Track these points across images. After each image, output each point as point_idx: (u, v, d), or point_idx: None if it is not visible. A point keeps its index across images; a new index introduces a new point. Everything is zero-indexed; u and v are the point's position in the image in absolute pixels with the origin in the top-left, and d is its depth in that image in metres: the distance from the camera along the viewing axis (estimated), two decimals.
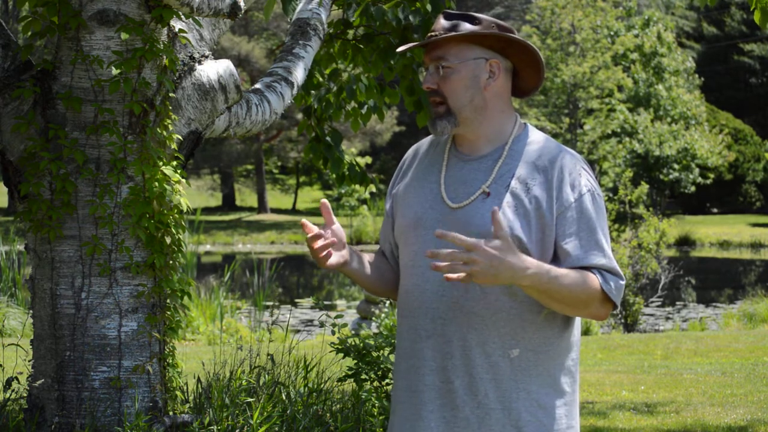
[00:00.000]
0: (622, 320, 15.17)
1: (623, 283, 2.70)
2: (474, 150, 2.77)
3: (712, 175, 41.23)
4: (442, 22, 2.74)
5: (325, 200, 2.79)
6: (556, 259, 2.68)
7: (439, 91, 2.74)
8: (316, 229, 2.72)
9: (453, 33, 2.71)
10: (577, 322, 2.79)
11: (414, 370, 2.75)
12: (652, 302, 18.06)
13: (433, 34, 2.75)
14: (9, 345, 5.16)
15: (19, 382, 4.82)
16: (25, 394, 4.75)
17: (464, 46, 2.72)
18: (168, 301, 4.66)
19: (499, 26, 2.74)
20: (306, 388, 5.24)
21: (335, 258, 2.77)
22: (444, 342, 2.69)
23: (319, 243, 2.72)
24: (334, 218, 2.79)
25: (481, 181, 2.72)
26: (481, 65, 2.73)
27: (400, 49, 2.84)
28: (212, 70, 4.87)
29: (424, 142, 2.92)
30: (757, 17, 6.02)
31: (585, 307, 2.65)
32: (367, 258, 2.91)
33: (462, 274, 2.51)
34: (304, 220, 2.79)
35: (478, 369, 2.67)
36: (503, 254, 2.52)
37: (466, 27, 2.73)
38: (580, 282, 2.62)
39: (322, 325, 6.87)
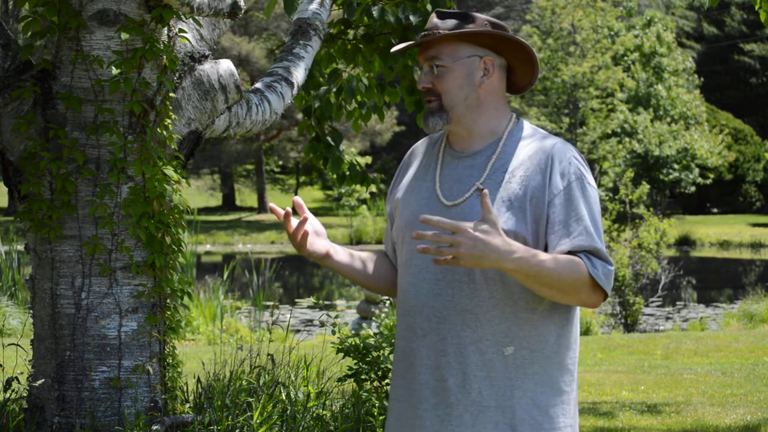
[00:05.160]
0: (622, 320, 15.17)
1: (612, 268, 2.66)
2: (467, 147, 2.78)
3: (712, 175, 41.21)
4: (435, 21, 2.75)
5: (297, 197, 2.81)
6: (546, 246, 2.68)
7: (434, 90, 2.75)
8: (282, 211, 2.74)
9: (446, 32, 2.71)
10: (576, 320, 2.78)
11: (410, 369, 2.75)
12: (652, 302, 18.07)
13: (426, 33, 2.75)
14: (9, 345, 5.16)
15: (19, 382, 4.82)
16: (25, 394, 4.75)
17: (458, 45, 2.73)
18: (168, 301, 4.66)
19: (492, 24, 2.74)
20: (306, 388, 5.24)
21: (318, 245, 2.80)
22: (439, 340, 2.70)
23: (294, 223, 2.74)
24: (308, 212, 2.80)
25: (475, 178, 2.72)
26: (475, 63, 2.74)
27: (394, 49, 2.85)
28: (212, 70, 4.87)
29: (421, 143, 2.93)
30: (762, 16, 6.05)
31: (575, 293, 2.63)
32: (365, 255, 2.92)
33: (449, 257, 2.53)
34: (272, 204, 2.81)
35: (472, 367, 2.67)
36: (488, 237, 2.53)
37: (460, 26, 2.73)
38: (567, 266, 2.60)
39: (322, 325, 6.87)
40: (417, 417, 2.74)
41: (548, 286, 2.61)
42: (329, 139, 6.71)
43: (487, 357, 2.67)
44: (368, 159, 38.26)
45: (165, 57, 4.51)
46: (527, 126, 2.79)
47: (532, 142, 2.74)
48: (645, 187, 17.41)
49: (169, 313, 4.65)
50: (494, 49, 2.75)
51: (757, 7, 6.05)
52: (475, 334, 2.67)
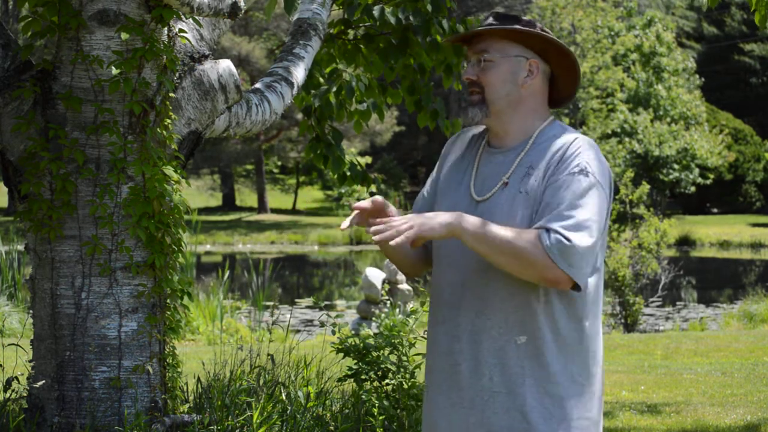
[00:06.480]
0: (622, 320, 15.17)
1: (569, 245, 2.63)
2: (503, 144, 2.86)
3: (712, 175, 41.21)
4: (490, 20, 2.87)
5: (377, 196, 2.84)
6: None
7: (477, 83, 2.84)
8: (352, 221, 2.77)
9: (498, 26, 2.82)
10: (595, 315, 2.81)
11: (429, 355, 2.89)
12: (652, 302, 18.07)
13: (480, 29, 2.86)
14: (9, 345, 5.16)
15: (19, 382, 4.82)
16: (25, 394, 4.74)
17: (507, 43, 2.84)
18: (168, 301, 4.66)
19: (542, 30, 2.86)
20: (306, 389, 5.24)
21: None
22: (454, 326, 2.80)
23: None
24: (377, 201, 2.81)
25: (503, 174, 2.81)
26: (521, 63, 2.84)
27: (446, 40, 3.00)
28: (212, 70, 4.87)
29: (465, 133, 3.00)
30: (757, 18, 6.05)
31: (531, 265, 2.65)
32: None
33: (402, 228, 2.64)
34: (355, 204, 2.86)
35: (485, 353, 2.75)
36: (416, 218, 2.67)
37: (513, 25, 2.84)
38: (519, 234, 2.65)
39: (322, 325, 6.87)
40: (430, 400, 2.86)
41: (500, 252, 2.64)
42: (329, 138, 6.70)
43: (499, 344, 2.74)
44: (368, 159, 38.26)
45: (165, 57, 4.51)
46: (559, 125, 2.87)
47: (558, 140, 2.81)
48: (645, 187, 17.39)
49: (169, 313, 4.65)
50: (541, 54, 2.85)
51: (752, 9, 6.05)
52: (489, 322, 2.75)
